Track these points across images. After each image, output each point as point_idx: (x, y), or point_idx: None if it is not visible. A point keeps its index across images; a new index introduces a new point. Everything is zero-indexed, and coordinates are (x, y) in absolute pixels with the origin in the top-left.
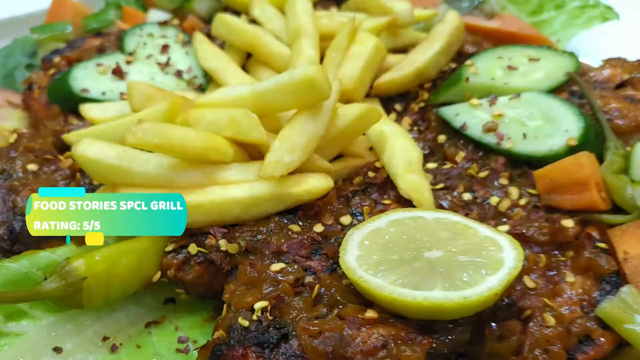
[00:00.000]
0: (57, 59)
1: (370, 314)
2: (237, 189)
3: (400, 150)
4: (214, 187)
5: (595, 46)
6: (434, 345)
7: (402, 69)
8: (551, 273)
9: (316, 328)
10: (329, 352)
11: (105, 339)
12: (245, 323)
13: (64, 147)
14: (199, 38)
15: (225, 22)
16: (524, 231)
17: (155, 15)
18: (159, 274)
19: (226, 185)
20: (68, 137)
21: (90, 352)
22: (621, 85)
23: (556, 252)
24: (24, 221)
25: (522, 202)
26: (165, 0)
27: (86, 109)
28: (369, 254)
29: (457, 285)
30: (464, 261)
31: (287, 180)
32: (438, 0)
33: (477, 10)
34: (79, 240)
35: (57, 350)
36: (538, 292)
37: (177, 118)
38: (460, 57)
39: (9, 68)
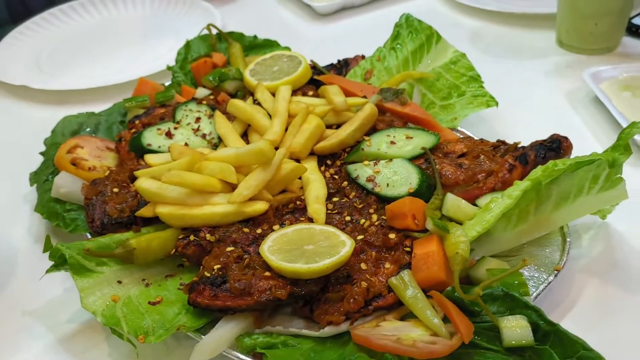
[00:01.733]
0: (137, 122)
1: (267, 274)
2: (219, 207)
3: (313, 189)
4: (207, 206)
5: (479, 124)
6: (294, 290)
7: (331, 140)
8: (379, 262)
9: (238, 278)
10: (241, 289)
11: (143, 279)
12: (207, 274)
13: (135, 179)
14: (218, 114)
15: (234, 104)
16: (369, 239)
17: (201, 91)
18: (173, 250)
19: (214, 205)
20: (137, 173)
21: (135, 285)
22: (462, 155)
23: (385, 252)
24: (108, 218)
25: (376, 223)
26: (207, 81)
27: (148, 157)
28: (275, 245)
29: (311, 262)
30: (322, 251)
31: (244, 204)
32: (376, 89)
33: (397, 99)
34: (135, 230)
35: (119, 282)
36: (367, 271)
37: (195, 166)
38: (375, 131)
39: (110, 123)
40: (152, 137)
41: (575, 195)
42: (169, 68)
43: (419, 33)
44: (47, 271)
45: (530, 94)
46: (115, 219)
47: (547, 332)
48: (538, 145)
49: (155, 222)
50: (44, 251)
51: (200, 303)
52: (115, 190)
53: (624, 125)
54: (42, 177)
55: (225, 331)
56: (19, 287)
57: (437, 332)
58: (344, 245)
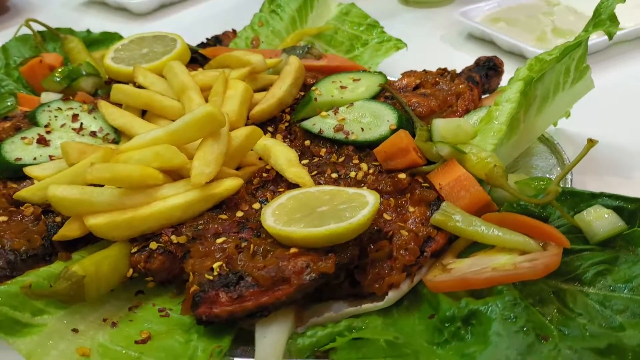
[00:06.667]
0: None
1: (293, 250)
2: (175, 198)
3: (281, 153)
4: (156, 202)
5: (394, 67)
6: (339, 258)
7: (268, 101)
8: (399, 209)
9: (261, 264)
10: (273, 276)
11: (104, 319)
12: (210, 277)
13: (17, 204)
14: (103, 104)
15: (121, 89)
16: (377, 187)
17: (48, 96)
18: (131, 270)
19: (165, 199)
20: (20, 194)
21: (98, 330)
22: (416, 87)
23: (400, 196)
24: (15, 254)
25: (371, 171)
26: (53, 83)
27: (29, 170)
28: (280, 218)
29: (344, 219)
30: (344, 207)
31: (210, 185)
32: (279, 51)
33: (309, 54)
34: (65, 257)
35: (75, 330)
36: (394, 221)
37: (110, 163)
38: (305, 87)
39: None
40: (17, 149)
41: (554, 92)
42: None
43: None
44: None
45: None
46: (26, 253)
47: (632, 212)
48: (475, 68)
49: (81, 244)
50: None
51: (220, 314)
52: (4, 218)
53: (514, 46)
54: None
55: (274, 339)
56: None
57: (528, 249)
58: (363, 195)
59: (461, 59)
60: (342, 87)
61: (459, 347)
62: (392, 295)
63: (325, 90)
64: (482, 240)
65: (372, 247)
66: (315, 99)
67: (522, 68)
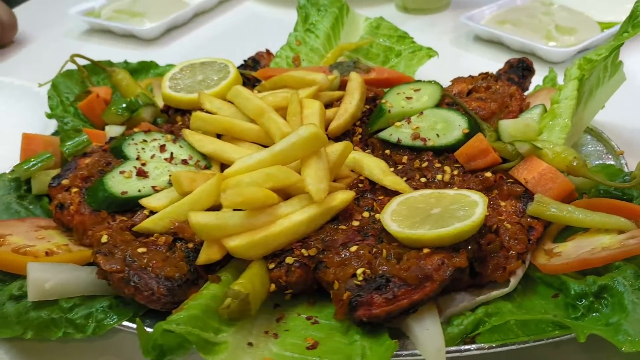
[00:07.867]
0: (65, 181)
1: (426, 251)
2: (297, 215)
3: (373, 164)
4: (281, 220)
5: (432, 75)
6: (467, 252)
7: (342, 116)
8: (492, 204)
9: (405, 266)
10: (419, 275)
11: (266, 332)
12: (358, 282)
13: (139, 235)
14: (189, 132)
15: (201, 117)
16: (467, 187)
17: (112, 129)
18: (273, 285)
19: (287, 217)
20: (143, 225)
21: (266, 342)
22: (469, 93)
23: (488, 193)
24: (171, 281)
25: (455, 172)
26: (115, 116)
27: (145, 202)
28: (402, 223)
29: (463, 218)
30: (455, 208)
31: (326, 200)
32: (326, 67)
33: (357, 68)
34: (217, 280)
35: (250, 344)
36: (492, 216)
37: (221, 187)
38: (366, 100)
39: (5, 203)
40: (119, 183)
41: (596, 87)
42: (49, 116)
43: (328, 7)
44: None
45: None
46: (180, 279)
47: None
48: (510, 70)
49: (214, 267)
50: (142, 344)
51: (380, 315)
52: (143, 250)
53: (525, 46)
54: None
55: (435, 330)
56: None
57: (625, 228)
58: (467, 195)
59: (475, 61)
60: (407, 98)
61: (600, 318)
62: (513, 282)
63: (394, 102)
64: (580, 224)
65: (483, 241)
66: (389, 110)
67: (572, 68)
